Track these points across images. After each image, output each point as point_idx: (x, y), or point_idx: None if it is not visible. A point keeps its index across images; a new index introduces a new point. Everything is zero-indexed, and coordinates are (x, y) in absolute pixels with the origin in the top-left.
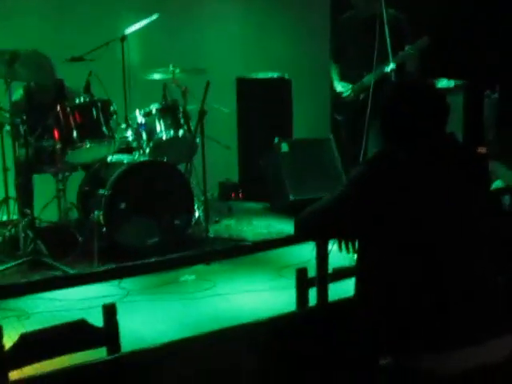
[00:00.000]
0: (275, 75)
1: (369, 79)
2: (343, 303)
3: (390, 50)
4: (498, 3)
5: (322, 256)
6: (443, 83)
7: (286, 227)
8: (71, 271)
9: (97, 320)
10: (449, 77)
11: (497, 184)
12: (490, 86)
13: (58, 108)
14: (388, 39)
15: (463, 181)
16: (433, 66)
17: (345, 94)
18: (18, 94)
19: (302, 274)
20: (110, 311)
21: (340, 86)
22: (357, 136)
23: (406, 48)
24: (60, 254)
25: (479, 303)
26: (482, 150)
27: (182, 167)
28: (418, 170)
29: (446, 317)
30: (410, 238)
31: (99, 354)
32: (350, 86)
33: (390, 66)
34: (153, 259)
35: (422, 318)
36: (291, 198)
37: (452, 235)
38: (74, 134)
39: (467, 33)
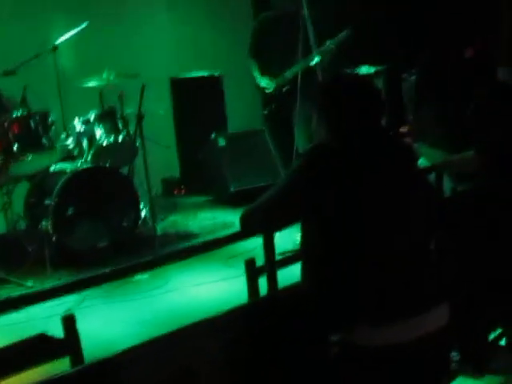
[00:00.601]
0: (206, 73)
1: (290, 73)
2: (292, 289)
3: (313, 43)
4: None
5: (269, 248)
6: (364, 70)
7: (229, 217)
8: (26, 283)
9: (56, 329)
10: (368, 63)
11: (421, 162)
12: (407, 69)
13: None
14: (311, 34)
15: (397, 165)
16: (353, 55)
17: (268, 90)
18: None
19: (250, 265)
20: (68, 322)
21: (263, 81)
22: (282, 127)
23: (328, 42)
24: (12, 266)
25: (417, 277)
26: (403, 129)
27: (124, 170)
28: (354, 160)
29: (385, 291)
30: (348, 220)
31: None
32: (274, 80)
33: (315, 60)
34: (108, 269)
35: (362, 295)
36: (232, 189)
37: (388, 213)
38: (15, 146)
39: (383, 21)
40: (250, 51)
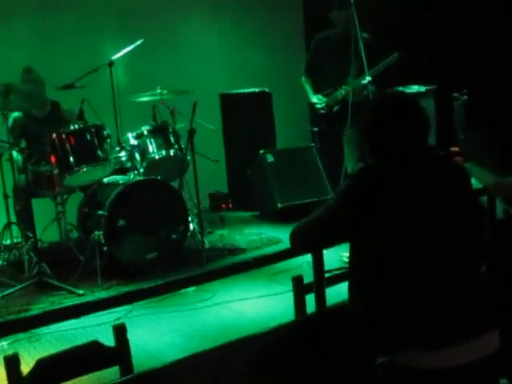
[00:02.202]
0: (256, 90)
1: (341, 92)
2: (341, 308)
3: (365, 64)
4: (461, 12)
5: (318, 266)
6: (414, 88)
7: (276, 233)
8: (78, 291)
9: (105, 336)
10: (419, 82)
11: (473, 183)
12: (458, 89)
13: (54, 135)
14: (363, 55)
15: (446, 186)
16: (404, 74)
17: (319, 106)
18: (12, 121)
19: (298, 281)
20: (120, 331)
21: (315, 98)
22: (332, 145)
23: (380, 64)
24: (64, 274)
25: (469, 301)
26: (454, 149)
27: (175, 183)
28: (402, 181)
29: (436, 316)
30: (398, 243)
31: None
32: (324, 99)
33: (367, 79)
34: (157, 283)
35: (413, 318)
36: (279, 205)
37: (439, 237)
38: (71, 158)
39: (434, 41)
40: (306, 69)
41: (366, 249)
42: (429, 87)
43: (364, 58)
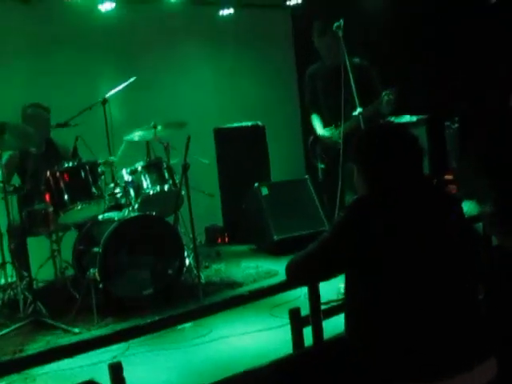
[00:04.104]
0: (249, 123)
1: (345, 126)
2: (338, 340)
3: (356, 96)
4: (451, 40)
5: (314, 299)
6: (406, 118)
7: (273, 266)
8: (73, 330)
9: (102, 375)
10: (411, 113)
11: (469, 210)
12: (449, 118)
13: (48, 173)
14: (353, 86)
15: (441, 217)
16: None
17: (334, 139)
18: (7, 159)
19: (295, 314)
20: (116, 370)
21: (327, 132)
22: (335, 179)
23: (374, 102)
24: (59, 313)
25: (465, 331)
26: (448, 176)
27: (170, 219)
28: (396, 213)
29: (431, 348)
30: (394, 275)
31: None
32: (333, 128)
33: (358, 110)
34: (153, 318)
35: (411, 349)
36: (275, 238)
37: (435, 267)
38: (65, 196)
39: (425, 71)
40: (309, 106)
41: (361, 281)
42: (420, 117)
43: (353, 87)
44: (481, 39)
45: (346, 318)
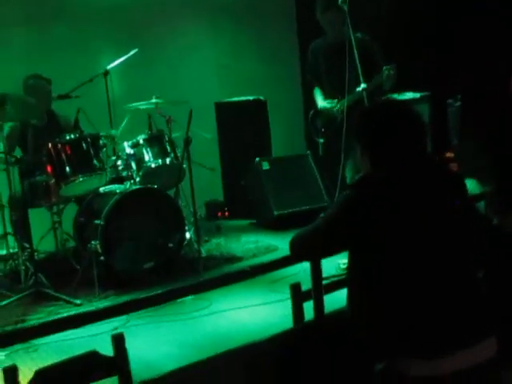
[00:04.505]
0: (251, 98)
1: (343, 103)
2: (339, 315)
3: (360, 72)
4: (457, 18)
5: (317, 273)
6: (409, 95)
7: (272, 241)
8: (75, 301)
9: (103, 346)
10: (414, 89)
11: (471, 189)
12: (452, 95)
13: (50, 145)
14: (358, 62)
15: (444, 195)
16: (398, 81)
17: (335, 108)
18: (8, 130)
19: (296, 289)
20: (118, 341)
21: (327, 104)
22: (335, 154)
23: (375, 77)
24: (61, 285)
25: (465, 309)
26: (449, 154)
27: (171, 192)
28: (400, 190)
29: (432, 324)
30: (396, 252)
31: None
32: (335, 100)
33: (362, 86)
34: (159, 291)
35: (412, 325)
36: (275, 213)
37: (437, 245)
38: (67, 168)
39: (428, 48)
40: (311, 81)
41: (364, 258)
42: (423, 94)
43: (358, 63)
44: (485, 15)
45: (349, 294)
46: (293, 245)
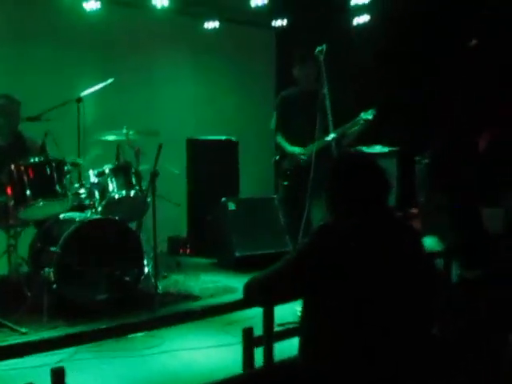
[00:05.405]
0: (223, 137)
1: (314, 146)
2: (289, 363)
3: (330, 121)
4: (423, 76)
5: (269, 320)
6: (377, 148)
7: (232, 282)
8: (21, 329)
9: (45, 379)
10: (382, 144)
11: (431, 246)
12: (420, 152)
13: (13, 166)
14: (329, 111)
15: (402, 248)
16: (369, 134)
17: (304, 156)
18: None
19: (248, 334)
20: (58, 375)
21: (297, 149)
22: (301, 200)
23: (351, 121)
24: (9, 311)
25: (412, 361)
26: (414, 210)
27: (133, 225)
28: (359, 242)
29: (381, 373)
30: (352, 302)
31: None
32: (302, 149)
33: (331, 135)
34: (104, 325)
35: (363, 375)
36: (237, 254)
37: (393, 298)
38: (28, 191)
39: (397, 104)
40: (276, 125)
41: (319, 306)
42: (391, 148)
43: (329, 114)
44: (461, 81)
45: (301, 342)
46: (248, 289)
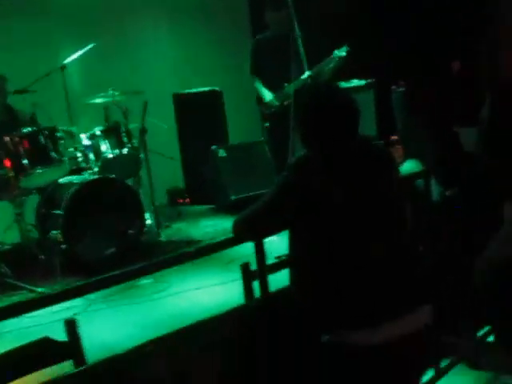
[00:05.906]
0: (207, 89)
1: (289, 88)
2: (284, 292)
3: (304, 60)
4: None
5: (260, 253)
6: (355, 82)
7: (230, 224)
8: (37, 289)
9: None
10: (359, 77)
11: (411, 167)
12: (395, 82)
13: (7, 139)
14: (303, 51)
15: (376, 172)
16: (345, 68)
17: (273, 104)
18: None
19: (245, 268)
20: (71, 326)
21: (267, 97)
22: (283, 140)
23: (325, 59)
24: (25, 275)
25: (397, 279)
26: (394, 137)
27: (130, 181)
28: (334, 171)
29: (366, 296)
30: (333, 230)
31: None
32: (276, 96)
33: (306, 73)
34: (116, 272)
35: (349, 299)
36: (232, 198)
37: (366, 221)
38: (25, 161)
39: (373, 36)
40: (251, 69)
41: (303, 236)
42: (368, 81)
43: (304, 56)
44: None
45: (291, 273)
46: (235, 226)
